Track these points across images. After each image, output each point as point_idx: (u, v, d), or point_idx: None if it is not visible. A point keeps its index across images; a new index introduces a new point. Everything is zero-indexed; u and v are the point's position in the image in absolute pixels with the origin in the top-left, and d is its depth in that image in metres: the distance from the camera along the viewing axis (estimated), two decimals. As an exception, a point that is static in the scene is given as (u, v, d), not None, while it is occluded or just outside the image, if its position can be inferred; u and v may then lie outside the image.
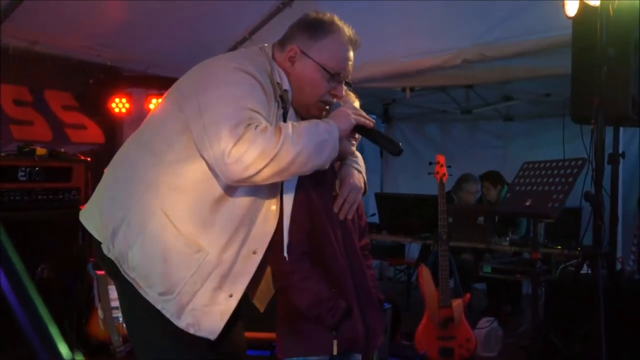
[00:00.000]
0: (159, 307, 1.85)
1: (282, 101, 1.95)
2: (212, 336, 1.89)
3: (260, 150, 1.69)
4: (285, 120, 1.94)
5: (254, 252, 1.93)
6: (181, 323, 1.85)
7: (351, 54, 2.03)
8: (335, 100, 2.06)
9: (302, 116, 2.04)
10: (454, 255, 4.99)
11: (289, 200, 1.97)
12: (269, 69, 1.94)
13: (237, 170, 1.71)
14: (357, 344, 2.10)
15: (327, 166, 1.91)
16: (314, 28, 2.00)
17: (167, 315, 1.85)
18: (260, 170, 1.71)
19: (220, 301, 1.89)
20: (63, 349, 0.45)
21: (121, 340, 4.20)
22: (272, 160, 1.71)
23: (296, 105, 2.01)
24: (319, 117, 2.02)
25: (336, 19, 2.04)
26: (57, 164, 4.40)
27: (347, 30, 2.03)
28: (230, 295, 1.91)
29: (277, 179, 1.85)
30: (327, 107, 2.04)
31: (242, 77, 1.83)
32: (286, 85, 1.96)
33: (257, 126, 1.72)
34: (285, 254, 1.95)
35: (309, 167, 1.84)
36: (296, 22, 2.06)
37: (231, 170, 1.71)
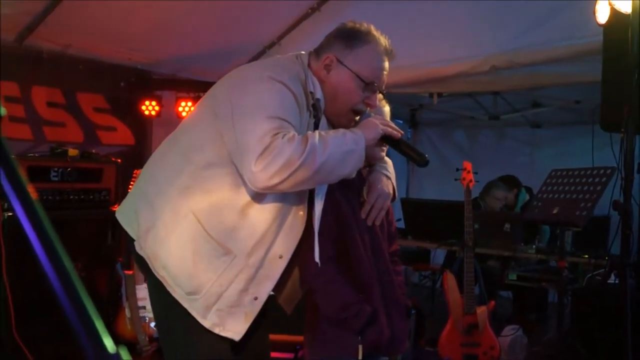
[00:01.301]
0: (185, 305, 1.89)
1: (314, 110, 1.96)
2: (237, 337, 1.93)
3: (286, 159, 1.71)
4: (317, 129, 1.96)
5: (280, 257, 1.96)
6: (207, 322, 1.89)
7: (386, 64, 2.04)
8: (368, 110, 2.07)
9: (333, 125, 2.05)
10: (480, 262, 4.97)
11: (319, 205, 1.98)
12: (303, 77, 1.95)
13: (262, 178, 1.73)
14: (382, 348, 2.12)
15: (353, 175, 1.93)
16: (351, 37, 2.01)
17: (193, 314, 1.89)
18: (285, 179, 1.73)
19: (245, 303, 1.92)
20: (108, 342, 0.46)
21: (147, 339, 4.25)
22: (297, 169, 1.73)
23: (328, 114, 2.02)
24: (349, 126, 2.02)
25: (372, 29, 2.05)
26: (89, 165, 4.46)
27: (383, 41, 2.04)
28: (255, 298, 1.94)
29: (303, 188, 1.87)
30: (358, 117, 2.05)
31: (275, 86, 1.85)
32: (319, 95, 1.97)
33: (284, 135, 1.74)
34: (317, 260, 1.96)
35: (334, 176, 1.87)
36: (333, 32, 2.07)
37: (257, 178, 1.74)
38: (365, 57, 2.00)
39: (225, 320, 1.90)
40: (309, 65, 2.03)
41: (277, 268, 1.97)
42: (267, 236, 1.92)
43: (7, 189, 0.58)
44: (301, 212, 1.98)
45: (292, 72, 1.94)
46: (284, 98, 1.85)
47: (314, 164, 1.75)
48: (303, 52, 2.08)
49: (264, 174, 1.72)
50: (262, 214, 1.90)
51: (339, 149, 1.82)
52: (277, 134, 1.74)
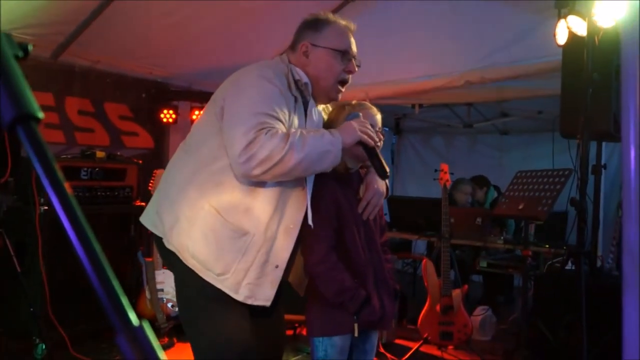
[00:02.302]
0: (218, 286, 1.87)
1: (302, 96, 1.98)
2: (267, 303, 1.93)
3: (267, 153, 1.73)
4: (307, 111, 1.99)
5: (291, 227, 1.96)
6: (239, 297, 1.88)
7: (352, 38, 2.08)
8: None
9: (323, 103, 2.09)
10: (455, 251, 4.98)
11: (310, 183, 2.01)
12: (286, 71, 1.98)
13: (246, 169, 1.76)
14: (374, 324, 2.13)
15: (329, 170, 1.92)
16: (316, 23, 2.06)
17: (226, 291, 1.87)
18: (265, 171, 1.76)
19: (268, 272, 1.92)
20: (132, 316, 0.47)
21: (165, 318, 4.25)
22: (276, 163, 1.75)
23: (317, 94, 2.05)
24: (338, 97, 2.07)
25: (330, 14, 2.10)
26: (114, 165, 4.46)
27: (342, 20, 2.08)
28: (277, 266, 1.94)
29: (284, 179, 1.88)
30: (343, 88, 2.07)
31: (262, 83, 1.87)
32: (305, 79, 1.99)
33: (268, 131, 1.75)
34: (310, 223, 1.98)
35: (311, 171, 1.90)
36: (299, 26, 2.11)
37: (241, 168, 1.77)
38: (333, 33, 2.04)
39: (255, 291, 1.90)
40: (289, 61, 2.05)
41: (290, 238, 1.97)
42: (277, 212, 1.92)
43: (45, 183, 0.59)
44: (301, 188, 1.99)
45: (278, 69, 1.97)
46: (269, 94, 1.86)
47: (292, 160, 1.76)
48: (283, 54, 2.11)
49: (247, 165, 1.74)
50: (269, 195, 1.90)
51: (316, 149, 1.82)
52: (262, 129, 1.75)
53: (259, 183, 1.88)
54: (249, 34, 5.00)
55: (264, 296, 1.92)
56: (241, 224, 1.88)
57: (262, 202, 1.89)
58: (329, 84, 2.04)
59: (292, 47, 2.08)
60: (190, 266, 1.90)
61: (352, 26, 2.09)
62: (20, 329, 3.85)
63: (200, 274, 1.88)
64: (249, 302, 1.90)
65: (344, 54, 2.03)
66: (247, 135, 1.73)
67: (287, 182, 1.92)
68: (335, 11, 4.83)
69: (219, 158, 1.88)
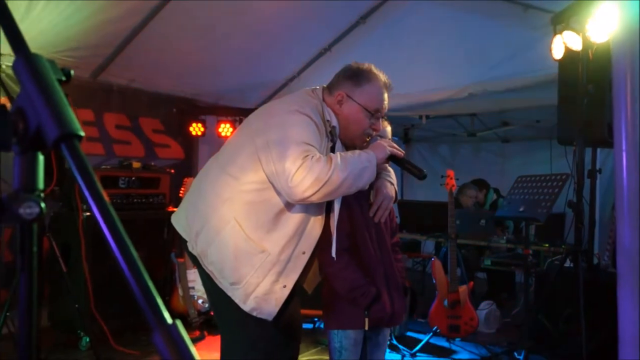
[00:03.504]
0: (229, 294, 1.88)
1: (332, 135, 1.96)
2: (270, 318, 1.92)
3: (316, 176, 1.72)
4: (334, 151, 1.96)
5: (303, 253, 1.95)
6: (246, 307, 1.89)
7: (386, 95, 2.03)
8: (374, 133, 2.07)
9: (346, 147, 2.04)
10: (461, 250, 4.95)
11: (337, 212, 1.98)
12: (320, 110, 1.95)
13: (298, 192, 1.74)
14: (384, 320, 2.12)
15: (367, 187, 1.92)
16: (357, 76, 2.00)
17: (236, 300, 1.88)
18: (316, 192, 1.74)
19: (276, 290, 1.92)
20: (166, 315, 0.48)
21: (196, 313, 4.28)
22: (325, 184, 1.74)
23: (342, 138, 2.02)
24: (362, 147, 2.02)
25: (373, 67, 2.03)
26: (149, 174, 4.50)
27: (382, 77, 2.03)
28: (284, 286, 1.93)
29: (329, 199, 1.88)
30: (368, 139, 2.04)
31: (301, 118, 1.85)
32: (335, 123, 1.97)
33: (312, 157, 1.75)
34: (334, 255, 1.97)
35: (354, 188, 1.87)
36: (341, 72, 2.05)
37: (294, 192, 1.75)
38: (370, 92, 1.99)
39: (260, 305, 1.90)
40: (323, 99, 2.02)
41: (301, 262, 1.96)
42: (295, 237, 1.91)
43: (86, 194, 0.60)
44: (320, 216, 1.98)
45: (312, 105, 1.94)
46: (308, 127, 1.85)
47: (339, 178, 1.76)
48: (317, 87, 2.07)
49: (298, 189, 1.73)
50: (291, 219, 1.90)
51: (357, 166, 1.83)
52: (307, 156, 1.75)
53: (284, 209, 1.88)
54: (268, 55, 5.04)
55: (268, 311, 1.91)
56: (261, 243, 1.88)
57: (284, 227, 1.89)
58: (355, 134, 2.02)
59: (330, 89, 2.04)
60: (208, 272, 1.91)
61: (389, 83, 2.04)
62: (66, 323, 3.90)
63: (215, 281, 1.90)
64: (254, 314, 1.90)
65: (375, 112, 2.00)
66: (295, 163, 1.73)
67: (310, 210, 1.92)
68: (347, 32, 4.85)
69: (254, 182, 1.87)
